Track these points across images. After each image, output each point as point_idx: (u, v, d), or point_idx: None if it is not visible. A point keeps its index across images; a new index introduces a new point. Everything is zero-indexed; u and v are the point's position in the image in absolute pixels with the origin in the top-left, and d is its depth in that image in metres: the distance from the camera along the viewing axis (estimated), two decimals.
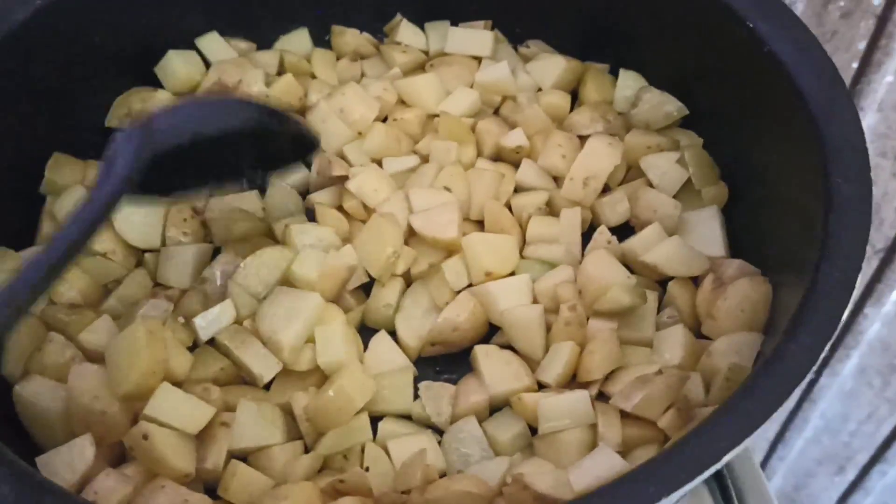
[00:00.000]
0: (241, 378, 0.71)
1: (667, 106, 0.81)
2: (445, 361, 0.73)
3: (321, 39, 0.91)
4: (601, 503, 0.47)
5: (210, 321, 0.71)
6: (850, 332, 1.23)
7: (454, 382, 0.71)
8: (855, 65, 0.95)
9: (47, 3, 0.74)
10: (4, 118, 0.74)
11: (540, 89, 0.86)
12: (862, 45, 0.93)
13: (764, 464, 1.51)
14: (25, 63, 0.74)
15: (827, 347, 0.51)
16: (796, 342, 0.52)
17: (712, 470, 0.47)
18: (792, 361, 0.51)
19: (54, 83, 0.77)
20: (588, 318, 0.71)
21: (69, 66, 0.78)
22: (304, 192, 0.81)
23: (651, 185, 0.79)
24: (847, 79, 0.96)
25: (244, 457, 0.67)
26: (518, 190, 0.81)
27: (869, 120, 1.00)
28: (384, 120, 0.85)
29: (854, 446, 1.41)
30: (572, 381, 0.69)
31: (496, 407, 0.70)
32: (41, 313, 0.71)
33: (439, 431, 0.69)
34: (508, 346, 0.72)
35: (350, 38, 0.90)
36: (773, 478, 1.53)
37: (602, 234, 0.76)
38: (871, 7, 0.89)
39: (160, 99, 0.83)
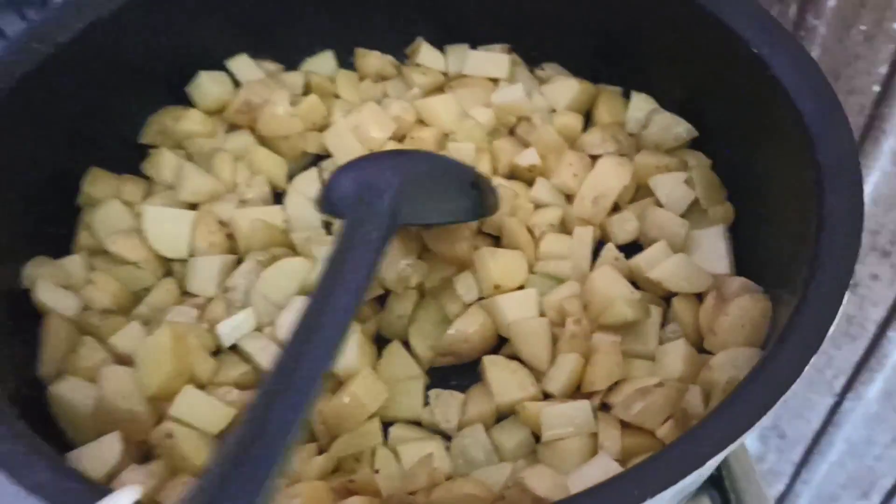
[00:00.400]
0: None
1: (676, 128, 0.83)
2: (455, 371, 0.76)
3: (346, 61, 0.94)
4: (587, 503, 0.49)
5: (233, 328, 0.74)
6: (874, 356, 1.22)
7: (463, 391, 0.73)
8: (877, 88, 0.95)
9: (89, 25, 0.77)
10: (46, 134, 0.78)
11: (554, 110, 0.88)
12: (884, 69, 0.93)
13: (788, 488, 1.49)
14: (67, 83, 0.78)
15: (812, 359, 0.53)
16: (782, 354, 0.53)
17: (696, 474, 0.49)
18: (777, 373, 0.52)
19: (93, 102, 0.81)
20: (593, 332, 0.73)
21: (107, 85, 0.81)
22: None
23: (659, 205, 0.80)
24: (868, 102, 0.96)
25: None
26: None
27: (891, 143, 1.00)
28: (402, 138, 0.87)
29: (879, 471, 1.40)
30: (576, 391, 0.71)
31: (503, 415, 0.72)
32: (76, 318, 0.75)
33: (447, 437, 0.71)
34: (516, 357, 0.74)
35: (373, 59, 0.93)
36: (798, 502, 1.52)
37: (609, 251, 0.78)
38: (893, 31, 0.89)
39: (192, 118, 0.86)
